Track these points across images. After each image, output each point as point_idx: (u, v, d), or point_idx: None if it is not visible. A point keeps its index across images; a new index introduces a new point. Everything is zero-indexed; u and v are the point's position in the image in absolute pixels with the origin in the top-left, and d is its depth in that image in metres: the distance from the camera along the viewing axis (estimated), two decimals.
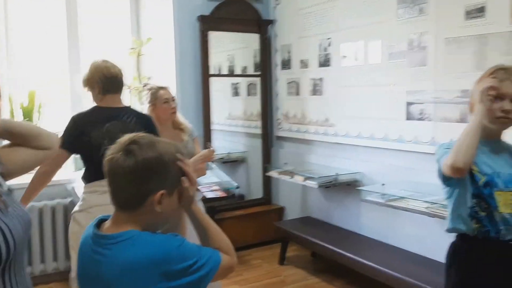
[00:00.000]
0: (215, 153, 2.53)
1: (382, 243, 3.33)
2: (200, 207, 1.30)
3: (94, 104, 2.42)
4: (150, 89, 2.80)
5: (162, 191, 1.15)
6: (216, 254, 1.21)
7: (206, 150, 2.48)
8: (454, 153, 1.56)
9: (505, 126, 1.67)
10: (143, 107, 2.89)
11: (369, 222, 3.50)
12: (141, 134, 1.19)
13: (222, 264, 1.20)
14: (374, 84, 3.34)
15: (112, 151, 1.17)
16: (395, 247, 3.22)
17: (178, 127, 2.84)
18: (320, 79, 3.87)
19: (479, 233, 1.64)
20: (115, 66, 2.42)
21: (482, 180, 1.62)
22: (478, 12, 2.62)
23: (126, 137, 1.18)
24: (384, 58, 3.27)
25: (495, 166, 1.64)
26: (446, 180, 1.67)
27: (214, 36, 4.21)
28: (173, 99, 2.80)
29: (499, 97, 1.61)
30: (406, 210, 2.86)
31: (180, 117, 2.90)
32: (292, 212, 4.33)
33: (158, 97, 2.75)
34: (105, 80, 2.36)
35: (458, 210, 1.68)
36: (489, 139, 1.67)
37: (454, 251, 1.74)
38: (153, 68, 4.20)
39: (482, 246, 1.65)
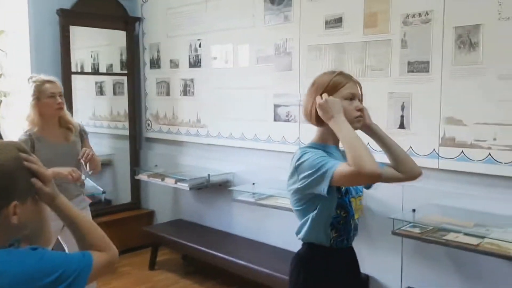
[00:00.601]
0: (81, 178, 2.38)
1: (253, 241, 3.43)
2: (65, 200, 1.16)
3: None
4: (34, 82, 2.52)
5: (14, 202, 1.03)
6: (85, 258, 1.11)
7: (71, 170, 2.33)
8: (366, 161, 1.44)
9: (360, 125, 1.69)
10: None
11: (241, 222, 3.57)
12: None
13: (95, 264, 1.11)
14: (244, 87, 3.42)
15: None
16: (266, 244, 3.34)
17: (65, 125, 2.59)
18: (191, 80, 3.85)
19: (334, 243, 1.67)
20: None
21: (343, 187, 1.64)
22: (336, 22, 2.84)
23: None
24: (252, 62, 3.37)
25: None
26: (327, 188, 1.53)
27: (77, 31, 3.94)
28: (60, 94, 2.55)
29: (351, 98, 1.65)
30: (275, 208, 2.99)
31: (68, 115, 2.65)
32: (163, 216, 4.24)
33: (42, 90, 2.49)
34: None
35: (321, 221, 1.63)
36: (337, 144, 1.69)
37: (301, 260, 1.72)
38: (6, 64, 3.77)
39: (330, 254, 1.67)
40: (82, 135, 2.67)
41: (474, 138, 2.34)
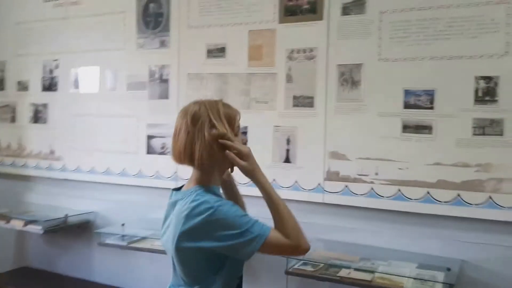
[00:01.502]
0: None
1: None
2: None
3: None
4: None
5: None
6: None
7: None
8: (303, 236, 1.36)
9: None
10: None
11: (105, 268, 3.14)
12: None
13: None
14: (111, 115, 3.08)
15: None
16: None
17: None
18: (44, 105, 3.35)
19: None
20: None
21: None
22: (219, 52, 2.73)
23: None
24: (122, 88, 3.06)
25: None
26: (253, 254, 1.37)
27: None
28: None
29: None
30: (151, 251, 2.68)
31: None
32: (4, 264, 3.54)
33: None
34: None
35: (229, 283, 1.46)
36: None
37: None
38: None
39: None
40: None
41: (357, 172, 2.40)
